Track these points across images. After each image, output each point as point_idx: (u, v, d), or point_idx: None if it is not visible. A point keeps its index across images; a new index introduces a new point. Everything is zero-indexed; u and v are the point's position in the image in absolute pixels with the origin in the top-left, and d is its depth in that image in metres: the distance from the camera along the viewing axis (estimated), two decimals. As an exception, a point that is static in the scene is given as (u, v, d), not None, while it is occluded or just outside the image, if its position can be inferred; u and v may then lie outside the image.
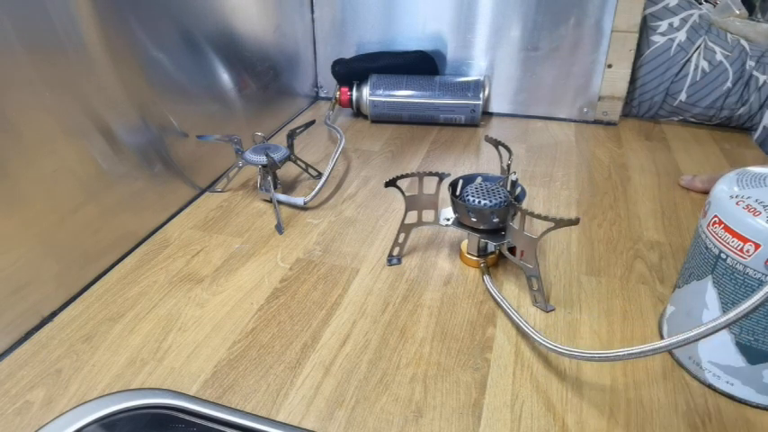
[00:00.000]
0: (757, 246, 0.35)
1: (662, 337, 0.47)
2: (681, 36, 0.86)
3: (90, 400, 0.41)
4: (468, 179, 0.55)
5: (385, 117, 0.92)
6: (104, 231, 0.55)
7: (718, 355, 0.40)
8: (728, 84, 0.84)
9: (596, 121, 0.93)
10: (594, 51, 0.87)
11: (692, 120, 0.91)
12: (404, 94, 0.90)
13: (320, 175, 0.73)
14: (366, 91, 0.91)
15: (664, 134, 0.89)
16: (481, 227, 0.52)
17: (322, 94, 1.05)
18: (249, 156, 0.65)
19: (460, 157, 0.80)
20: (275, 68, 0.87)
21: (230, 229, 0.62)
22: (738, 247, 0.37)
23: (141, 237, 0.60)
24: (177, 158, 0.65)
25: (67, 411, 0.40)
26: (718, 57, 0.85)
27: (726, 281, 0.38)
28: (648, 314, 0.49)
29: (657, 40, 0.86)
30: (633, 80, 0.89)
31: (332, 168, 0.70)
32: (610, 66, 0.88)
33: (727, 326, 0.32)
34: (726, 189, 0.39)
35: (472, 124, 0.92)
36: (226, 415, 0.40)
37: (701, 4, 0.91)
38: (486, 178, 0.55)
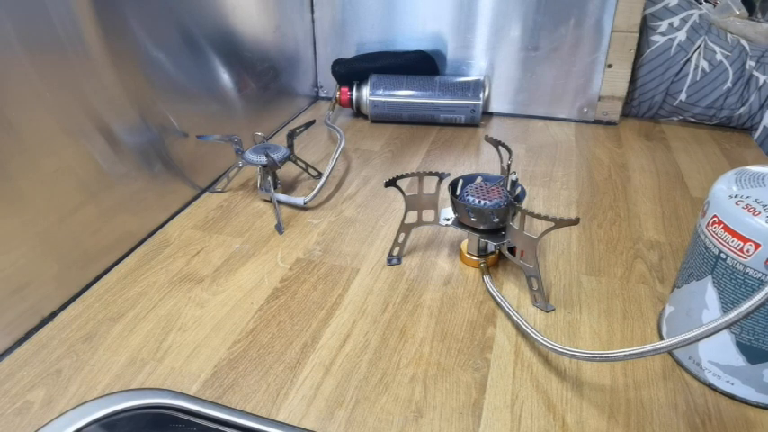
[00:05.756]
0: (757, 245, 0.35)
1: (661, 337, 0.47)
2: (681, 36, 0.86)
3: (90, 400, 0.41)
4: (468, 179, 0.55)
5: (385, 117, 0.92)
6: (104, 231, 0.55)
7: (718, 355, 0.40)
8: (728, 84, 0.84)
9: (596, 121, 0.93)
10: (594, 51, 0.87)
11: (692, 120, 0.91)
12: (404, 94, 0.90)
13: (320, 175, 0.73)
14: (366, 91, 0.91)
15: (664, 134, 0.89)
16: (481, 227, 0.52)
17: (322, 94, 1.05)
18: (249, 156, 0.65)
19: (460, 157, 0.80)
20: (275, 68, 0.87)
21: (230, 229, 0.62)
22: (738, 247, 0.37)
23: (141, 237, 0.60)
24: (177, 158, 0.65)
25: (67, 411, 0.40)
26: (718, 57, 0.85)
27: (726, 281, 0.38)
28: (648, 314, 0.49)
29: (657, 39, 0.86)
30: (633, 80, 0.89)
31: (332, 168, 0.70)
32: (610, 66, 0.88)
33: (728, 326, 0.32)
34: (725, 189, 0.39)
35: (472, 124, 0.92)
36: (226, 415, 0.40)
37: (700, 4, 0.90)
38: (486, 178, 0.55)
